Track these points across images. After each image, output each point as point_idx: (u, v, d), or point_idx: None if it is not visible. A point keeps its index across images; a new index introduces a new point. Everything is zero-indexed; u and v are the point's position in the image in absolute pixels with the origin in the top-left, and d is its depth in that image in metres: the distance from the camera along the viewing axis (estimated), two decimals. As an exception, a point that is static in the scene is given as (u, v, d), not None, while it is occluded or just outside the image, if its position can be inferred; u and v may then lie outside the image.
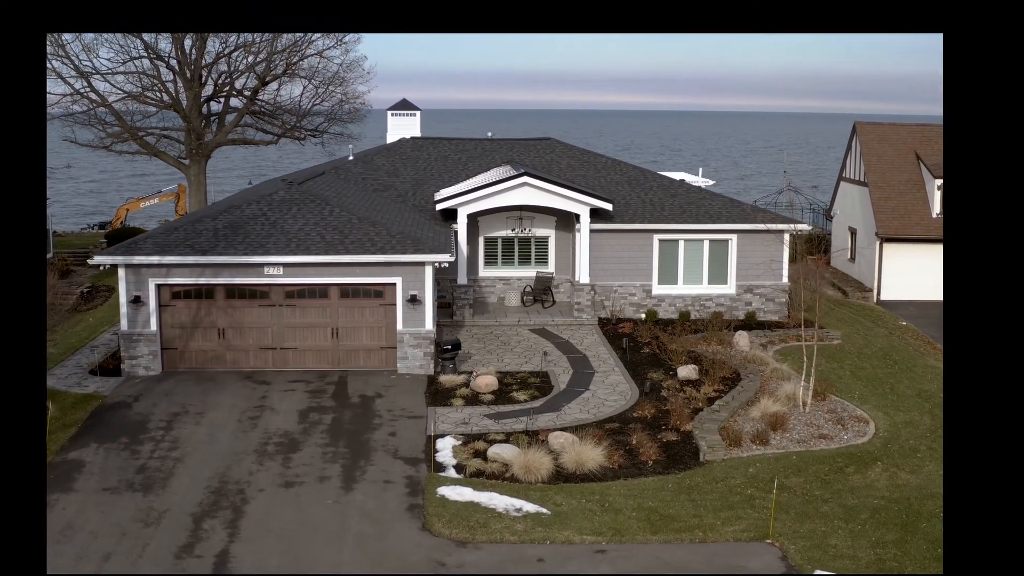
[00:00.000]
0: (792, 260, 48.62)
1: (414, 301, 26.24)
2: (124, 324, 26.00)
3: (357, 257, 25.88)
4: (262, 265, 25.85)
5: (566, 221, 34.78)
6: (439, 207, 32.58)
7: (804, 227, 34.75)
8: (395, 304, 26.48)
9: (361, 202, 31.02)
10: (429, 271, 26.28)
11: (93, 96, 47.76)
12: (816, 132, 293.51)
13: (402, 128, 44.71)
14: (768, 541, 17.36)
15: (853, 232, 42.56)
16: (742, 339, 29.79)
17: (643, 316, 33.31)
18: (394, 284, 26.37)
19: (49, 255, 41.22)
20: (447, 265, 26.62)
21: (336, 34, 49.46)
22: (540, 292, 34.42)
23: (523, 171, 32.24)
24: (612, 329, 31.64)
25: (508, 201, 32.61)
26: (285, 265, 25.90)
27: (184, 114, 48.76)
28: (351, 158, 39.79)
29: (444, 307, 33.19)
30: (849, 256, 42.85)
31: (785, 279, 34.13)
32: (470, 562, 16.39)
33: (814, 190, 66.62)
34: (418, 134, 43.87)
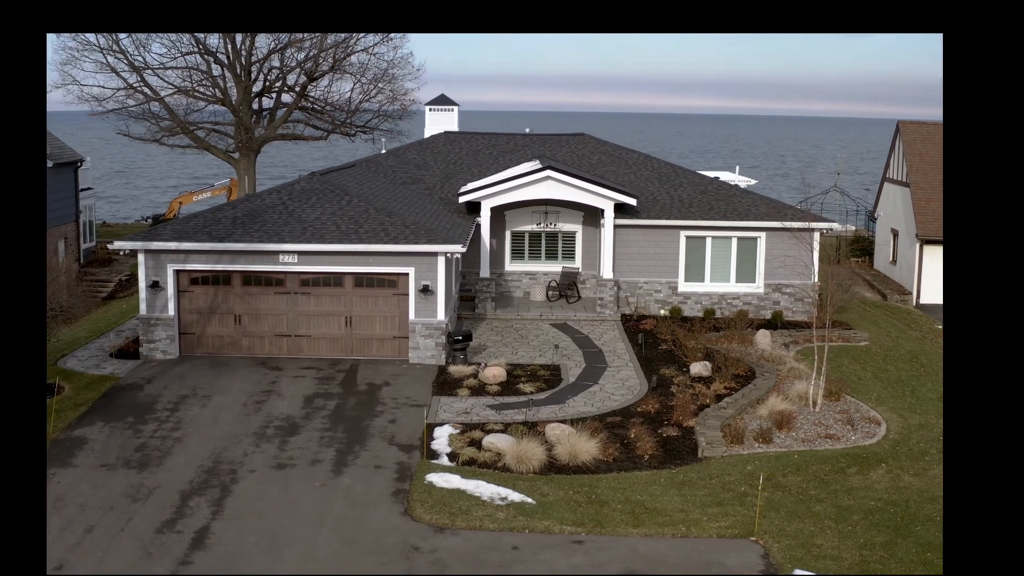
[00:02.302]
0: (837, 261, 47.84)
1: (426, 291, 26.30)
2: (143, 308, 26.49)
3: (369, 246, 26.02)
4: (276, 253, 26.13)
5: (593, 216, 34.57)
6: (462, 200, 32.64)
7: (834, 226, 33.98)
8: (408, 294, 26.58)
9: (382, 194, 31.20)
10: (441, 261, 26.30)
11: (146, 91, 48.76)
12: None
13: (440, 123, 44.93)
14: (752, 539, 17.03)
15: (895, 234, 41.60)
16: (763, 338, 29.32)
17: (667, 313, 32.97)
18: (407, 274, 26.46)
19: (91, 244, 42.20)
20: (459, 256, 26.61)
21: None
22: (565, 287, 34.27)
23: (546, 165, 32.12)
24: (634, 325, 31.36)
25: (532, 195, 32.54)
26: (299, 253, 26.14)
27: (233, 109, 49.52)
28: (383, 151, 40.07)
29: (467, 300, 33.25)
30: (891, 258, 41.89)
31: (815, 278, 33.45)
32: (444, 547, 16.35)
33: (867, 192, 65.27)
34: (455, 129, 44.01)
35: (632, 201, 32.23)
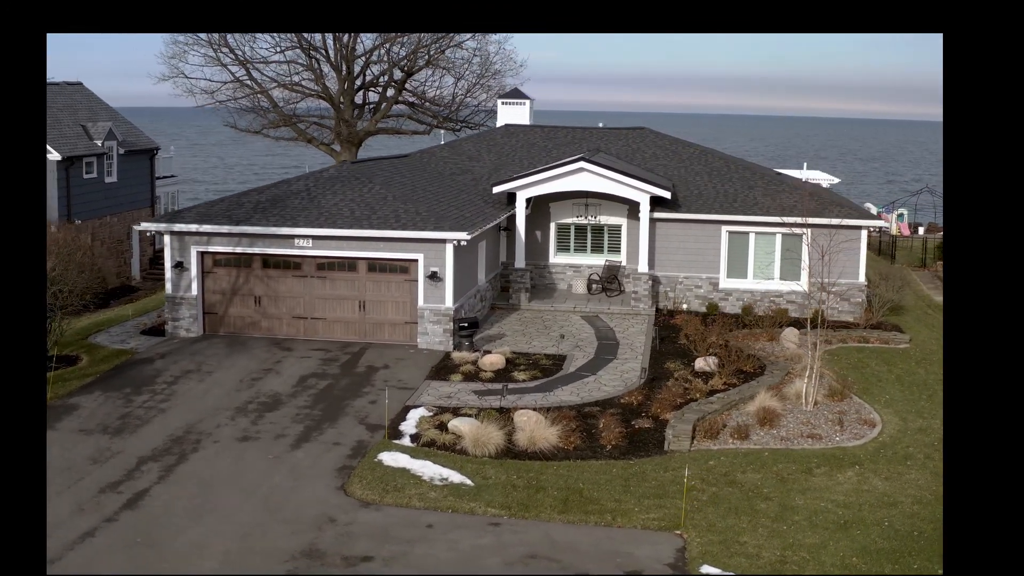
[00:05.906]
0: (923, 264, 45.56)
1: (434, 278, 26.57)
2: (168, 288, 27.75)
3: (378, 232, 26.48)
4: (291, 237, 26.89)
5: (638, 210, 34.05)
6: (496, 190, 32.71)
7: (880, 224, 32.40)
8: (417, 280, 26.91)
9: (412, 183, 31.60)
10: (449, 248, 26.51)
11: (251, 84, 50.66)
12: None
13: (512, 116, 44.95)
14: (677, 532, 16.59)
15: (975, 235, 39.31)
16: (790, 336, 28.31)
17: (704, 309, 32.25)
18: (416, 260, 26.80)
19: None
20: (464, 243, 26.73)
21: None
22: (606, 280, 33.91)
23: (580, 156, 31.88)
24: (664, 320, 30.80)
25: (567, 187, 32.33)
26: (312, 237, 26.82)
27: (333, 102, 50.93)
28: (442, 143, 40.53)
29: (505, 291, 33.39)
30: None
31: (862, 278, 32.03)
32: (360, 521, 16.58)
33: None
34: (527, 123, 44.03)
35: (666, 194, 31.62)
